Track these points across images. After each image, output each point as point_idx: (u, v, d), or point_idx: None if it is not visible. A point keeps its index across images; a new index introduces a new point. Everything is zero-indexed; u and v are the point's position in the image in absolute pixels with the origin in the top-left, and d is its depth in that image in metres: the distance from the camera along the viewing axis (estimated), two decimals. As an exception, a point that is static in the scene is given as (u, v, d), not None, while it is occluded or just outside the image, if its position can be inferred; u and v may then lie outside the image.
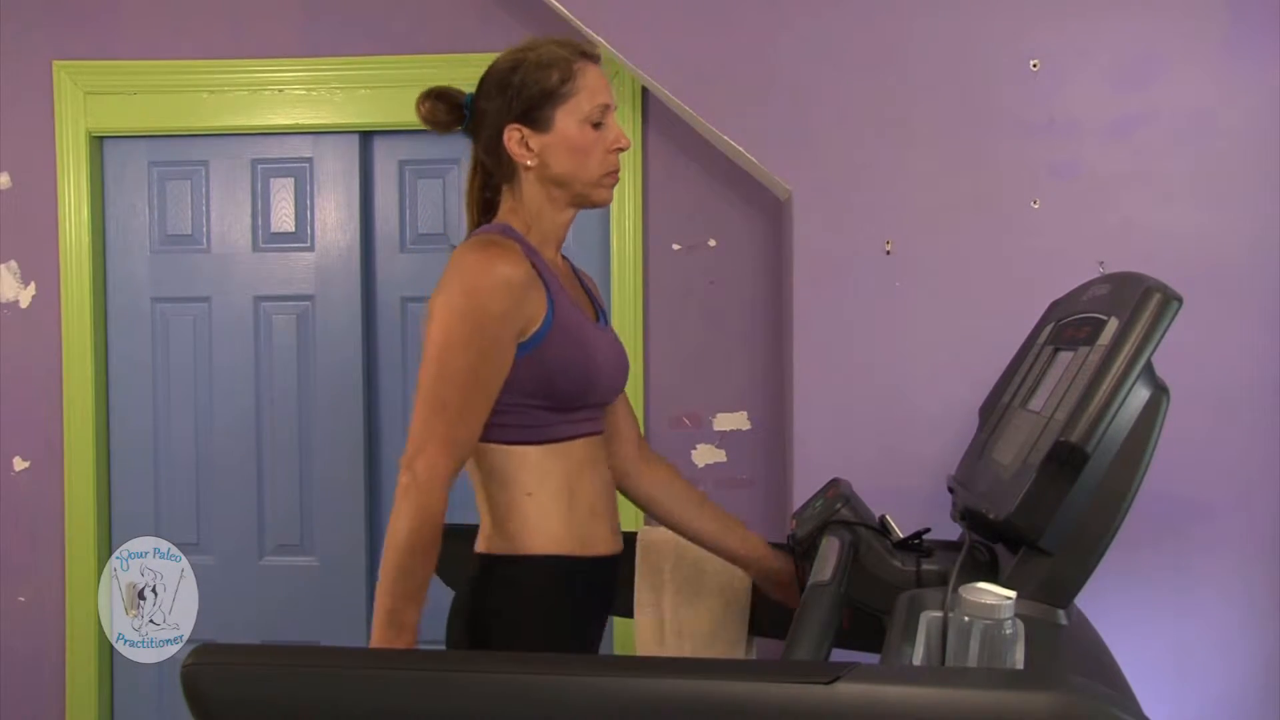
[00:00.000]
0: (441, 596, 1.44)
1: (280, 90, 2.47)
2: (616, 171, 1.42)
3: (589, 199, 1.42)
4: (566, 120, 1.36)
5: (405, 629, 1.25)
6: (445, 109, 1.41)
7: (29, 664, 2.54)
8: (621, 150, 1.41)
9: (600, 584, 1.43)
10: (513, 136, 1.37)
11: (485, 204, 1.47)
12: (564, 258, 1.50)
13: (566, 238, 1.47)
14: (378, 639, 1.25)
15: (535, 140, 1.37)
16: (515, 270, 1.29)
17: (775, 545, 1.70)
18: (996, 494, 1.21)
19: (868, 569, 1.40)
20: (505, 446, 1.35)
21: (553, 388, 1.34)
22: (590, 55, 1.40)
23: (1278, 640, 1.99)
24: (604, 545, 1.42)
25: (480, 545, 1.41)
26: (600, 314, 1.51)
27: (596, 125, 1.38)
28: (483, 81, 1.41)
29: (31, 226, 2.51)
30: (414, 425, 1.27)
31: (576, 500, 1.38)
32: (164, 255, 2.56)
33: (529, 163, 1.37)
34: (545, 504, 1.36)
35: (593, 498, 1.41)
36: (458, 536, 1.49)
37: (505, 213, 1.42)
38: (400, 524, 1.24)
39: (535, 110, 1.36)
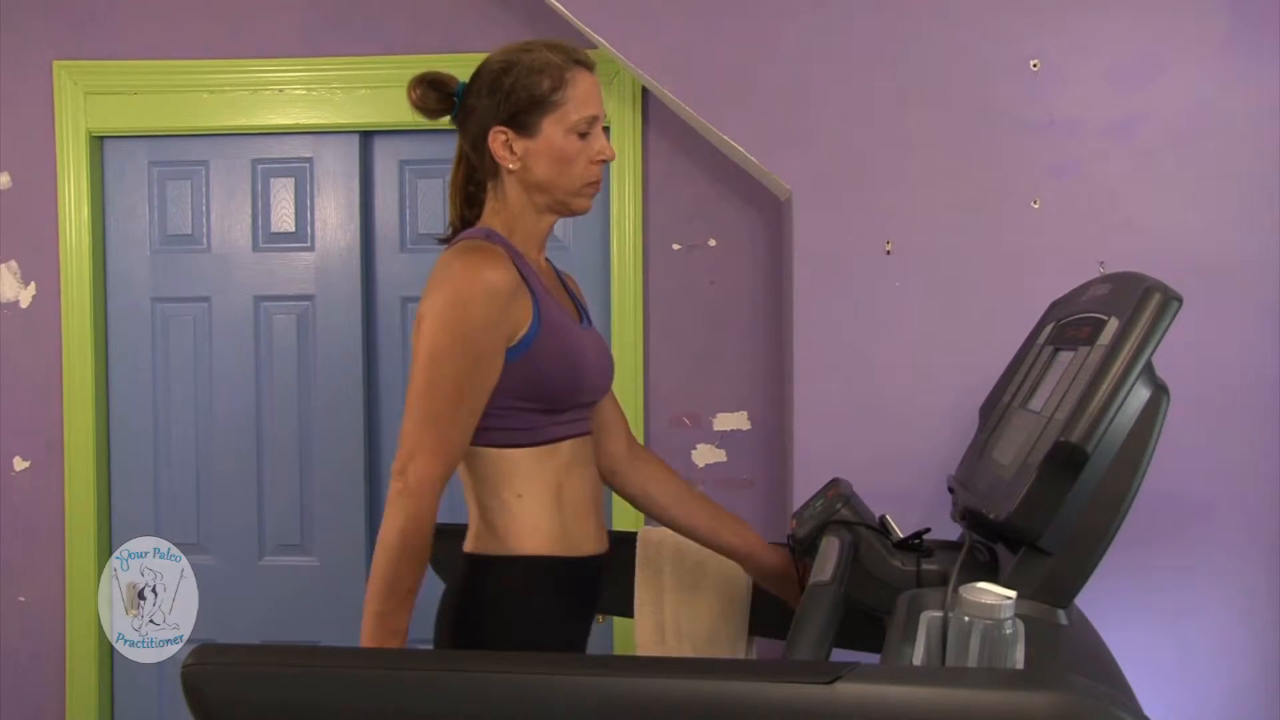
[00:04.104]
0: (434, 595, 1.44)
1: (280, 90, 2.47)
2: (598, 182, 1.42)
3: (568, 207, 1.42)
4: (553, 129, 1.36)
5: (396, 634, 1.27)
6: (436, 97, 1.42)
7: (29, 664, 2.54)
8: (605, 161, 1.41)
9: (585, 583, 1.44)
10: (497, 138, 1.37)
11: (468, 196, 1.47)
12: (546, 259, 1.50)
13: (549, 240, 1.49)
14: (367, 644, 1.27)
15: (519, 144, 1.37)
16: (501, 276, 1.29)
17: (774, 544, 1.70)
18: (997, 494, 1.21)
19: (868, 569, 1.40)
20: (496, 450, 1.36)
21: (543, 390, 1.35)
22: (585, 63, 1.40)
23: (1278, 640, 1.99)
24: (589, 545, 1.43)
25: (469, 545, 1.42)
26: (583, 314, 1.52)
27: (583, 135, 1.38)
28: (474, 78, 1.41)
29: (31, 226, 2.51)
30: (404, 431, 1.28)
31: (564, 501, 1.39)
32: (164, 255, 2.56)
33: (511, 166, 1.38)
34: (534, 506, 1.37)
35: (579, 498, 1.42)
36: (457, 535, 1.49)
37: (489, 214, 1.43)
38: (391, 529, 1.25)
39: (522, 115, 1.36)
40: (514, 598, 1.37)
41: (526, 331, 1.33)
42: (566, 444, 1.41)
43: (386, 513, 1.26)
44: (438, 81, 1.41)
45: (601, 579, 1.49)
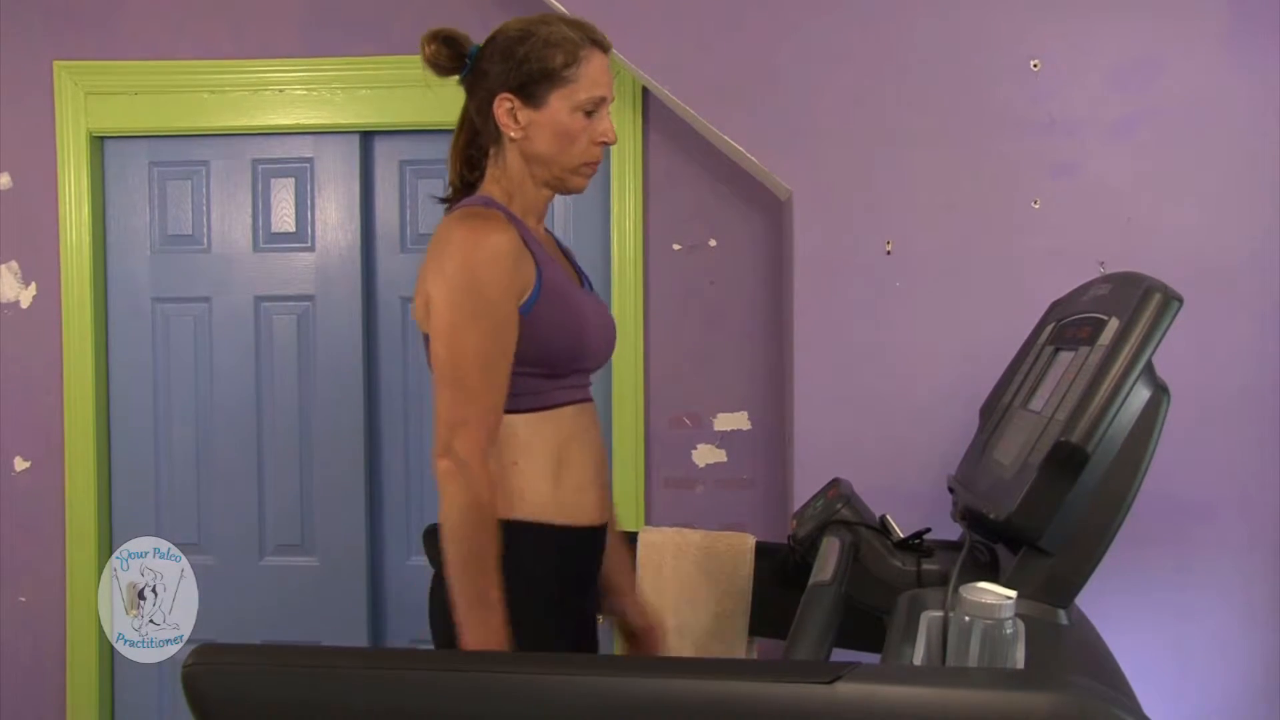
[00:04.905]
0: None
1: (280, 90, 2.47)
2: (596, 163, 1.43)
3: (564, 184, 1.43)
4: (560, 104, 1.37)
5: (493, 606, 1.25)
6: (449, 55, 1.42)
7: (29, 664, 2.54)
8: (607, 144, 1.42)
9: (585, 553, 1.42)
10: (503, 105, 1.38)
11: (469, 159, 1.48)
12: (546, 229, 1.51)
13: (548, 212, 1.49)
14: (470, 624, 1.24)
15: (524, 114, 1.38)
16: (506, 239, 1.30)
17: (775, 545, 1.70)
18: (997, 494, 1.21)
19: (868, 569, 1.40)
20: None
21: (546, 352, 1.34)
22: (601, 44, 1.41)
23: (1278, 640, 1.99)
24: (589, 515, 1.41)
25: None
26: (584, 279, 1.52)
27: (589, 114, 1.39)
28: (489, 43, 1.42)
29: (31, 226, 2.51)
30: (439, 410, 1.27)
31: (566, 470, 1.37)
32: (164, 255, 2.56)
33: (513, 134, 1.39)
34: (533, 472, 1.35)
35: (581, 468, 1.40)
36: None
37: (489, 180, 1.43)
38: (454, 510, 1.24)
39: (531, 86, 1.37)
40: (508, 563, 1.33)
41: (530, 294, 1.33)
42: (568, 409, 1.40)
43: (442, 497, 1.25)
44: (452, 39, 1.42)
45: (602, 550, 1.46)
